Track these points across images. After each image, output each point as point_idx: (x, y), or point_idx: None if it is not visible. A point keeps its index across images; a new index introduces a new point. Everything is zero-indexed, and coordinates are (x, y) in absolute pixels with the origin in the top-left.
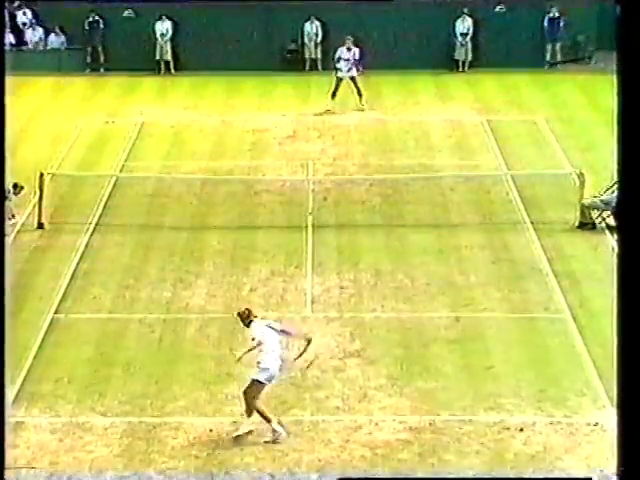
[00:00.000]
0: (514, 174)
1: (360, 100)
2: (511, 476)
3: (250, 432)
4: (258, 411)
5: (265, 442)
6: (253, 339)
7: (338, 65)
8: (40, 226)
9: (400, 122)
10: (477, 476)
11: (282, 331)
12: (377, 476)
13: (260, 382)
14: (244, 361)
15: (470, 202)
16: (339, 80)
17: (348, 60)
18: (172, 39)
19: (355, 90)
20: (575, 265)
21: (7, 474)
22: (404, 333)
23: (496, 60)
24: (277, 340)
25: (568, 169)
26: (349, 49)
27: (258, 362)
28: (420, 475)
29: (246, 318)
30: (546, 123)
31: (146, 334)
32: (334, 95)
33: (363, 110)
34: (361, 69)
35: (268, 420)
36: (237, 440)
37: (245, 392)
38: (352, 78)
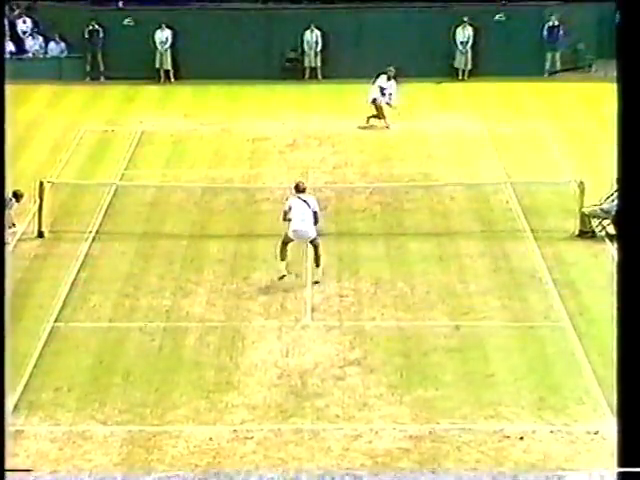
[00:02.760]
0: (514, 182)
1: (382, 119)
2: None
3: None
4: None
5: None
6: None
7: (374, 90)
8: (40, 235)
9: (400, 130)
10: (477, 476)
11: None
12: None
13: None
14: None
15: (470, 210)
16: (377, 107)
17: (385, 89)
18: (172, 48)
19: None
20: (575, 273)
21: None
22: (404, 341)
23: (496, 68)
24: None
25: (568, 177)
26: (389, 79)
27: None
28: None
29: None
30: (546, 131)
31: (146, 342)
32: (378, 117)
33: (388, 127)
34: (393, 104)
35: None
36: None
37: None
38: (382, 106)
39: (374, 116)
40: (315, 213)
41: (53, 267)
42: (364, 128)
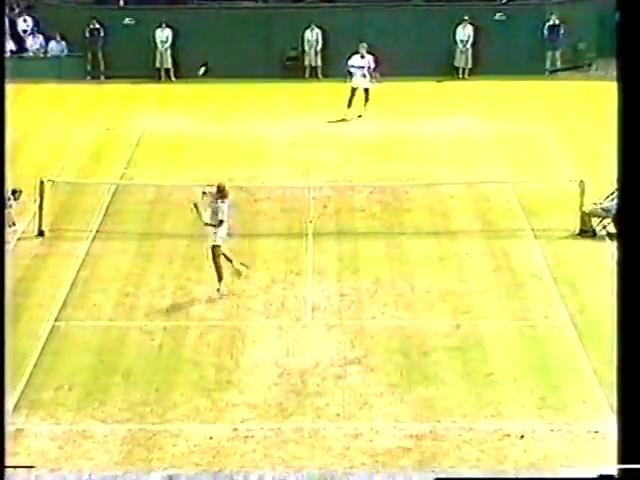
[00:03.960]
0: (514, 181)
1: (364, 105)
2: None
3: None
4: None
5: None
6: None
7: (352, 71)
8: (40, 233)
9: (400, 129)
10: (476, 476)
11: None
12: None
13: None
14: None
15: (470, 210)
16: (353, 89)
17: (362, 68)
18: (172, 47)
19: (364, 98)
20: (575, 272)
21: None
22: (404, 340)
23: (496, 67)
24: None
25: (568, 176)
26: (362, 57)
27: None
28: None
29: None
30: (546, 130)
31: (146, 341)
32: (350, 104)
33: (360, 116)
34: (377, 77)
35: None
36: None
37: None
38: (366, 89)
39: (365, 101)
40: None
41: (53, 266)
42: (363, 126)
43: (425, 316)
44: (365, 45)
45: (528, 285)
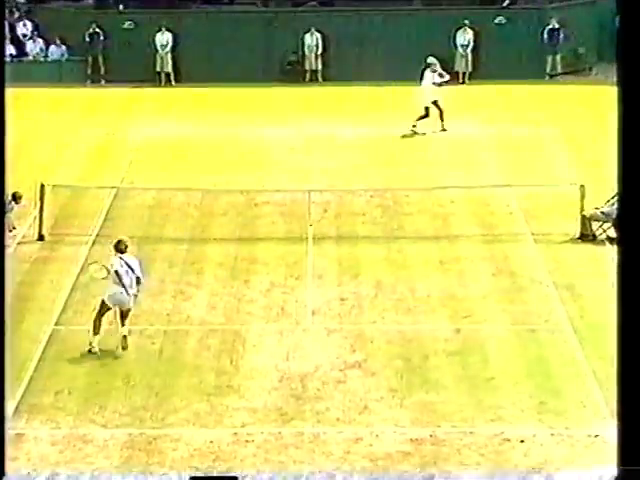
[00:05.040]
0: (514, 185)
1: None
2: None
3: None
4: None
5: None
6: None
7: (429, 91)
8: (41, 238)
9: (400, 134)
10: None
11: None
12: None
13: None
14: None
15: (470, 214)
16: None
17: (435, 83)
18: (172, 51)
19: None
20: (575, 277)
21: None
22: (405, 345)
23: (496, 71)
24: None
25: (568, 181)
26: (434, 71)
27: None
28: None
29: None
30: (546, 134)
31: (146, 345)
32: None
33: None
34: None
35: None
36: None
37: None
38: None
39: (422, 117)
40: (138, 279)
41: (54, 270)
42: (363, 130)
43: (425, 320)
44: (434, 60)
45: (528, 289)
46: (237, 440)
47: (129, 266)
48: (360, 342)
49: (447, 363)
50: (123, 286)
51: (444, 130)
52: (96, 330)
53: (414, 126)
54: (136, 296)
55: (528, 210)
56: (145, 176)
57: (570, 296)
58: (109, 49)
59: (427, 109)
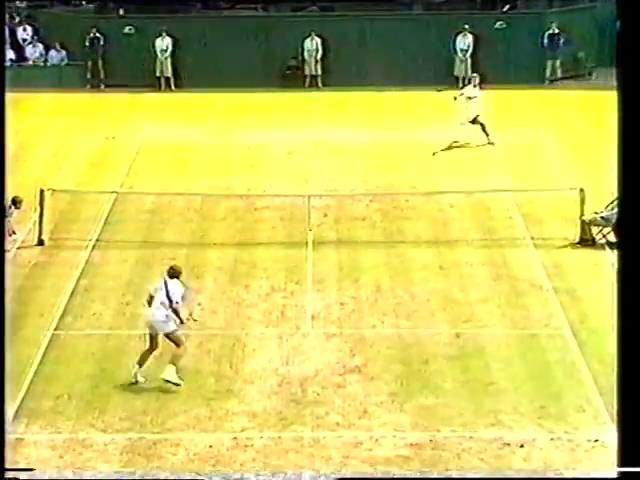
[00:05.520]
0: (514, 190)
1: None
2: None
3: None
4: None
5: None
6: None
7: (469, 106)
8: (40, 242)
9: (400, 138)
10: (474, 476)
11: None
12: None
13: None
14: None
15: (470, 218)
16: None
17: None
18: (172, 55)
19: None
20: (575, 281)
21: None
22: (404, 349)
23: (496, 76)
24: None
25: (568, 185)
26: (475, 86)
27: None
28: None
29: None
30: (546, 139)
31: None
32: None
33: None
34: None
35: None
36: None
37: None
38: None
39: (483, 130)
40: (170, 301)
41: (53, 275)
42: (363, 135)
43: (425, 325)
44: (477, 75)
45: (528, 294)
46: (237, 444)
47: (167, 290)
48: (360, 346)
49: (447, 367)
50: (150, 309)
51: (492, 144)
52: (140, 360)
53: (488, 137)
54: (174, 320)
55: (528, 215)
56: (145, 181)
57: (570, 301)
58: (109, 54)
59: (476, 118)
